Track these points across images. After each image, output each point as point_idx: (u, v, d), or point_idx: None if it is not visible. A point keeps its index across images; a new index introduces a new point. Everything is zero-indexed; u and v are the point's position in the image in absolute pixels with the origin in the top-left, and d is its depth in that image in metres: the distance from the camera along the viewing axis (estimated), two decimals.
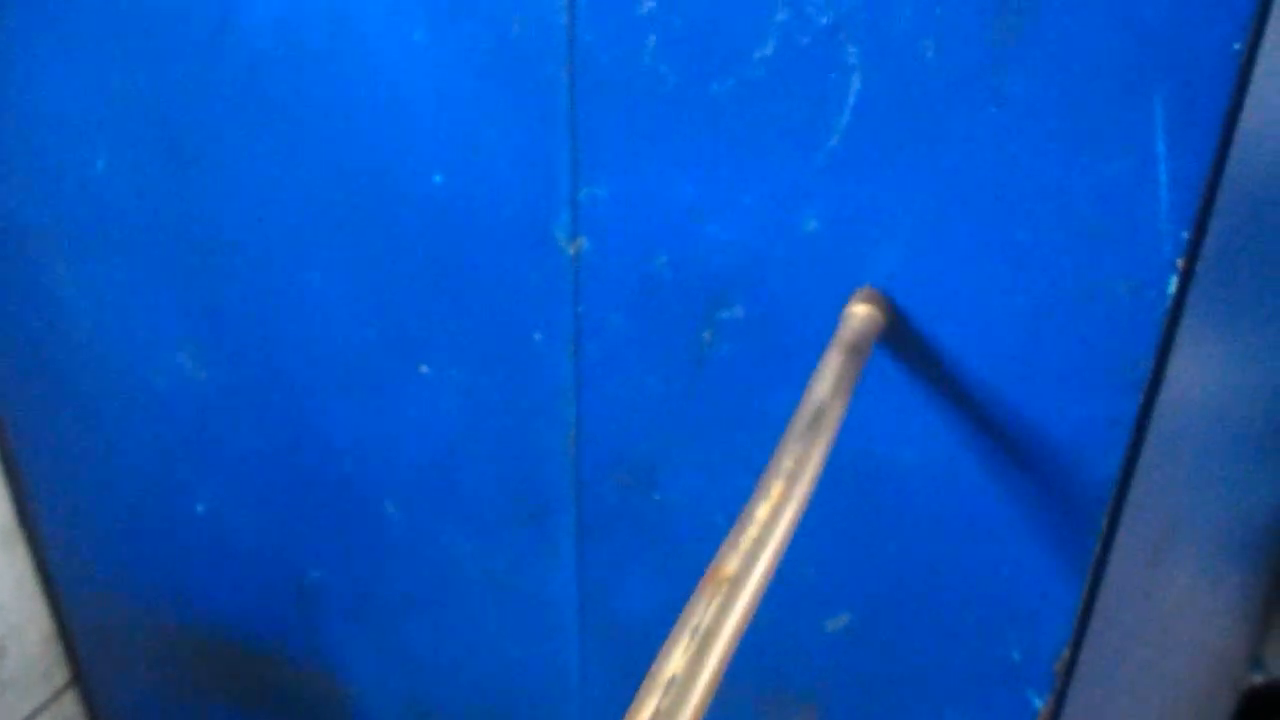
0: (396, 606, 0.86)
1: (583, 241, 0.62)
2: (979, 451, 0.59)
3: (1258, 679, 1.33)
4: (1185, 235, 0.50)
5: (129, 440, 0.92)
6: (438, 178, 0.64)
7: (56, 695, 1.14)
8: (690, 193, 0.58)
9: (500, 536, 0.77)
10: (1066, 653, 0.64)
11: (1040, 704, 0.66)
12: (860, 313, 0.54)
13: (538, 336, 0.67)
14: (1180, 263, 0.51)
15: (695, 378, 0.64)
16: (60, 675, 1.14)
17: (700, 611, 0.39)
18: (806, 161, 0.55)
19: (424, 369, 0.73)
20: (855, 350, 0.51)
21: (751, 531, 0.41)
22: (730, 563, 0.40)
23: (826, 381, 0.48)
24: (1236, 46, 0.46)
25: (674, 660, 0.37)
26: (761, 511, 0.41)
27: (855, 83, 0.52)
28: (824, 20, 0.51)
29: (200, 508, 0.91)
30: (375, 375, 0.75)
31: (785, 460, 0.44)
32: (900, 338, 0.58)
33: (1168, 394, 0.58)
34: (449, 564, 0.81)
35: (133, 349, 0.86)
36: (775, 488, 0.42)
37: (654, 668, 0.38)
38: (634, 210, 0.60)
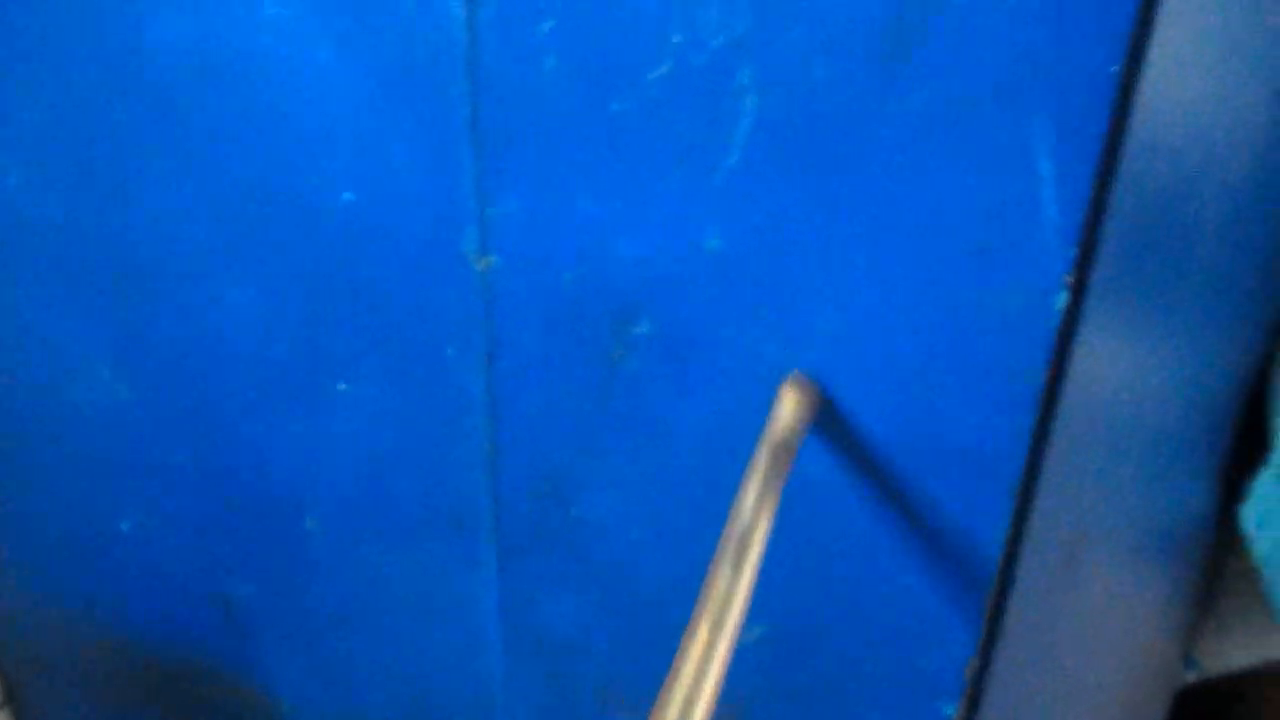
0: (323, 621, 0.86)
1: (492, 258, 0.63)
2: (883, 465, 0.60)
3: (1191, 677, 1.35)
4: (1073, 253, 0.51)
5: (53, 458, 0.91)
6: (348, 195, 0.64)
7: None
8: (595, 210, 0.59)
9: (421, 551, 0.77)
10: (976, 660, 0.65)
11: (952, 711, 0.67)
12: (790, 401, 0.55)
13: (450, 352, 0.67)
14: (1069, 279, 0.52)
15: (606, 394, 0.64)
16: None
17: None
18: (706, 180, 0.55)
19: (342, 385, 0.72)
20: (784, 451, 0.52)
21: (680, 687, 0.41)
22: None
23: (751, 497, 0.49)
24: (1113, 69, 0.47)
25: None
26: (689, 663, 0.41)
27: (750, 102, 0.53)
28: (717, 41, 0.52)
29: (125, 525, 0.90)
30: (294, 391, 0.75)
31: (712, 597, 0.44)
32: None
33: (1068, 404, 0.59)
34: (372, 579, 0.80)
35: (54, 365, 0.85)
36: (702, 630, 0.43)
37: None
38: (542, 227, 0.61)
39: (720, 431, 0.62)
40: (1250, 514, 1.06)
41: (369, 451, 0.74)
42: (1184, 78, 0.56)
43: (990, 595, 0.62)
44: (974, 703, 0.67)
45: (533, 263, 0.62)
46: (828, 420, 0.59)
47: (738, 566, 0.46)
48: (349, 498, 0.77)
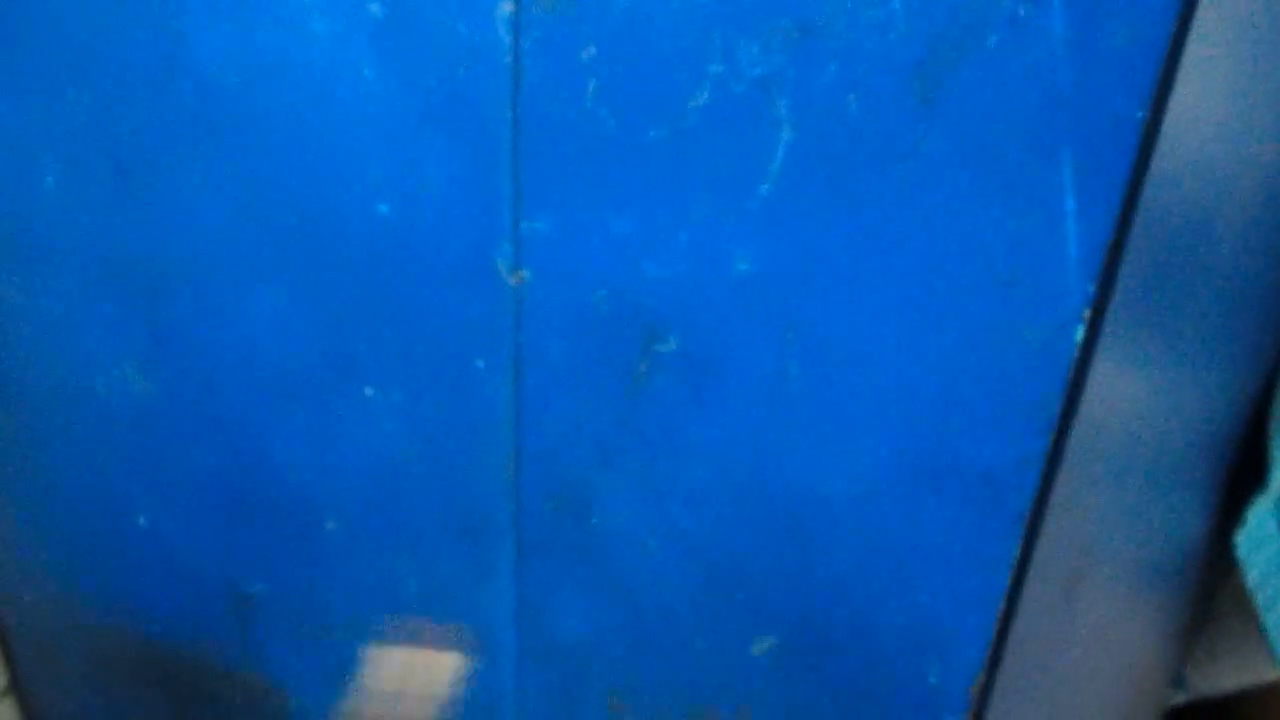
0: (337, 621, 0.87)
1: (524, 273, 0.64)
2: (900, 485, 0.62)
3: (1180, 698, 1.37)
4: (1091, 289, 0.53)
5: (73, 452, 0.92)
6: (384, 207, 0.66)
7: None
8: (627, 230, 0.60)
9: (439, 555, 0.79)
10: (982, 677, 0.67)
11: None
12: None
13: (480, 363, 0.69)
14: (1086, 314, 0.54)
15: (630, 408, 0.66)
16: None
17: None
18: (739, 206, 0.57)
19: (368, 390, 0.74)
20: None
21: None
22: None
23: None
24: (1140, 114, 0.49)
25: None
26: None
27: (785, 133, 0.54)
28: (755, 72, 0.53)
29: (143, 519, 0.92)
30: (320, 395, 0.76)
31: None
32: None
33: (1080, 433, 0.61)
34: (388, 581, 0.82)
35: (78, 361, 0.86)
36: None
37: None
38: (574, 245, 0.62)
39: (739, 448, 0.64)
40: (1244, 541, 1.07)
41: (393, 456, 0.76)
42: (1203, 122, 0.58)
43: (998, 615, 0.64)
44: (977, 718, 0.69)
45: (564, 279, 0.63)
46: (850, 436, 0.61)
47: None
48: (370, 501, 0.79)
